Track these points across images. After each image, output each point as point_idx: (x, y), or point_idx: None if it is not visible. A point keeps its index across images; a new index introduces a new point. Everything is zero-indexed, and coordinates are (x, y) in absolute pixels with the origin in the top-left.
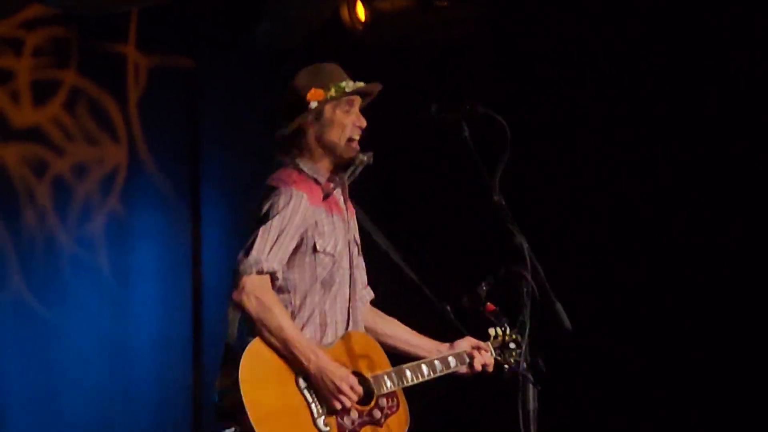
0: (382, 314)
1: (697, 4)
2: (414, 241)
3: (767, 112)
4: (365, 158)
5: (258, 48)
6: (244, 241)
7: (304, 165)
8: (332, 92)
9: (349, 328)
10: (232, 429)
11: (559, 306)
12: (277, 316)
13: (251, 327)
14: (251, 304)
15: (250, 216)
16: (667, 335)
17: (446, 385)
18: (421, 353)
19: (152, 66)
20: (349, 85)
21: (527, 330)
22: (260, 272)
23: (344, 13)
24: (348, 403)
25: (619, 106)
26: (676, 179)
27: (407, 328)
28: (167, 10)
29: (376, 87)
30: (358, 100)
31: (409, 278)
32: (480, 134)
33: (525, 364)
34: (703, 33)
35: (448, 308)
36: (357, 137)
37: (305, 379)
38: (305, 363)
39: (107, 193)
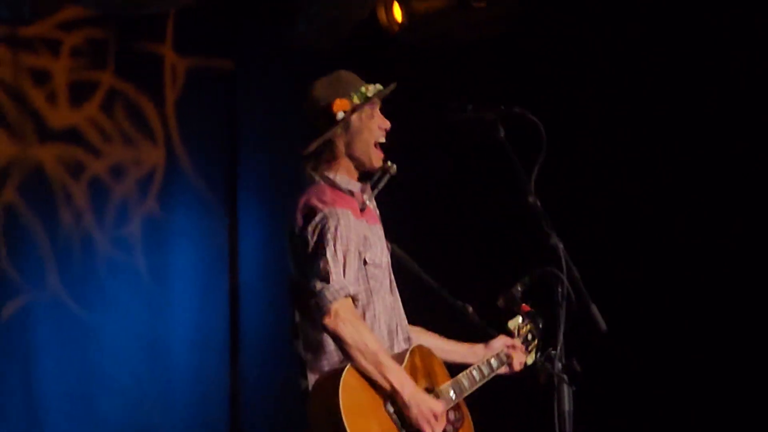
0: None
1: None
2: (449, 242)
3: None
4: (393, 168)
5: (295, 49)
6: (312, 268)
7: (335, 177)
8: (356, 100)
9: (400, 337)
10: None
11: (594, 307)
12: (372, 340)
13: (343, 352)
14: (346, 330)
15: (296, 242)
16: (702, 335)
17: (482, 388)
18: (457, 358)
19: (190, 67)
20: (369, 89)
21: (560, 325)
22: (347, 296)
23: (381, 14)
24: (437, 429)
25: (658, 104)
26: (701, 180)
27: (436, 335)
28: (204, 11)
29: (392, 87)
30: (377, 103)
31: (429, 284)
32: (515, 135)
33: (560, 365)
34: (719, 33)
35: (471, 310)
36: (383, 140)
37: (392, 404)
38: (399, 389)
39: (144, 194)
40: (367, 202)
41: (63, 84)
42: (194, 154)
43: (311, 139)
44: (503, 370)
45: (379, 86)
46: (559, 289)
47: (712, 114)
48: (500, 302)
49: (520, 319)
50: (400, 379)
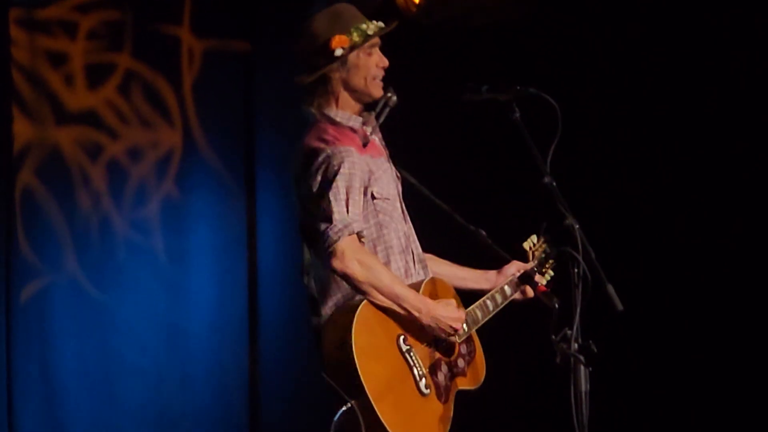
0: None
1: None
2: (463, 227)
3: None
4: (394, 97)
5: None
6: (317, 209)
7: (335, 114)
8: (355, 37)
9: (416, 266)
10: (348, 405)
11: (610, 287)
12: (384, 273)
13: (356, 290)
14: (356, 268)
15: (302, 184)
16: (719, 317)
17: (499, 367)
18: (471, 285)
19: (207, 49)
20: (370, 27)
21: (577, 305)
22: (351, 234)
23: None
24: (459, 327)
25: (678, 88)
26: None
27: (449, 263)
28: None
29: (394, 25)
30: (378, 41)
31: (442, 209)
32: (530, 116)
33: (576, 345)
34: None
35: (484, 233)
36: (381, 76)
37: (405, 340)
38: (416, 314)
39: (162, 176)
40: (371, 136)
41: (80, 66)
42: (212, 136)
43: (308, 72)
44: (518, 296)
45: (380, 23)
46: (575, 270)
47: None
48: (538, 241)
49: (534, 238)
50: (416, 305)
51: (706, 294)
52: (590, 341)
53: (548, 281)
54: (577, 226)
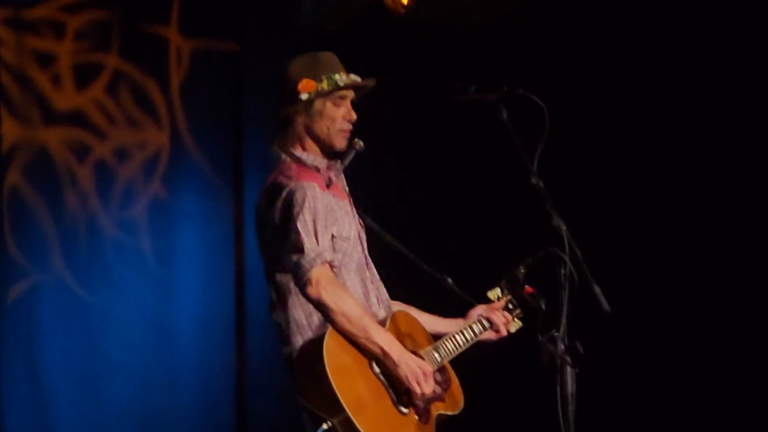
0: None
1: None
2: (451, 225)
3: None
4: (360, 144)
5: (301, 30)
6: (283, 243)
7: (300, 155)
8: (324, 85)
9: (382, 311)
10: (328, 424)
11: (597, 288)
12: (355, 304)
13: (328, 319)
14: (329, 297)
15: (266, 223)
16: (706, 318)
17: (486, 368)
18: (441, 330)
19: (195, 49)
20: (342, 78)
21: (563, 306)
22: (324, 262)
23: None
24: (428, 391)
25: (665, 88)
26: (713, 168)
27: (418, 310)
28: None
29: (370, 83)
30: (351, 94)
31: (406, 256)
32: (518, 116)
33: (563, 346)
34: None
35: (449, 279)
36: (347, 129)
37: (378, 364)
38: (387, 350)
39: (150, 176)
40: (334, 179)
41: (68, 66)
42: (199, 137)
43: (276, 112)
44: (487, 335)
45: (355, 78)
46: (562, 270)
47: (705, 89)
48: (503, 284)
49: (499, 290)
50: (386, 340)
51: (693, 295)
52: (577, 342)
53: (519, 326)
54: (564, 227)
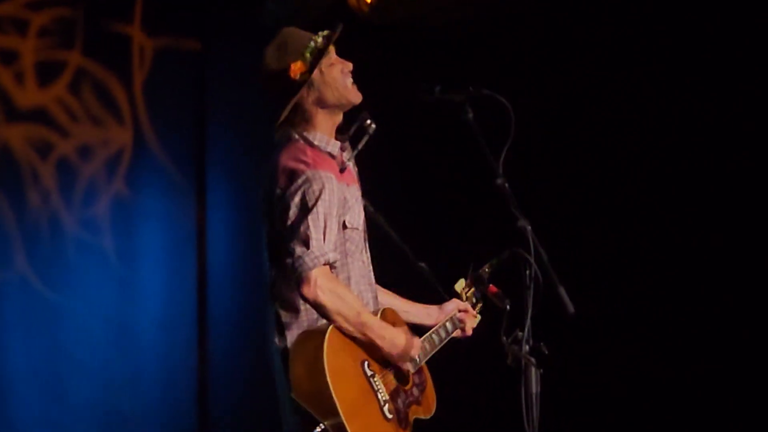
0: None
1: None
2: (416, 223)
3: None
4: (372, 124)
5: (264, 29)
6: (292, 231)
7: (313, 137)
8: (309, 57)
9: (369, 295)
10: (321, 426)
11: (562, 290)
12: (353, 302)
13: (325, 318)
14: (327, 298)
15: (277, 204)
16: (669, 318)
17: (450, 368)
18: (413, 319)
19: (158, 47)
20: (318, 41)
21: (528, 307)
22: (326, 263)
23: None
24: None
25: (626, 91)
26: (679, 165)
27: (394, 294)
28: None
29: (340, 28)
30: (332, 49)
31: (392, 240)
32: (484, 117)
33: (528, 347)
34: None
35: (428, 269)
36: (351, 80)
37: (369, 365)
38: (379, 342)
39: (112, 174)
40: (347, 162)
41: (30, 64)
42: (162, 135)
43: (279, 107)
44: (457, 333)
45: (325, 32)
46: (527, 272)
47: (670, 92)
48: (467, 283)
49: (463, 281)
50: (380, 333)
51: (657, 295)
52: (541, 343)
53: (477, 319)
54: (529, 228)
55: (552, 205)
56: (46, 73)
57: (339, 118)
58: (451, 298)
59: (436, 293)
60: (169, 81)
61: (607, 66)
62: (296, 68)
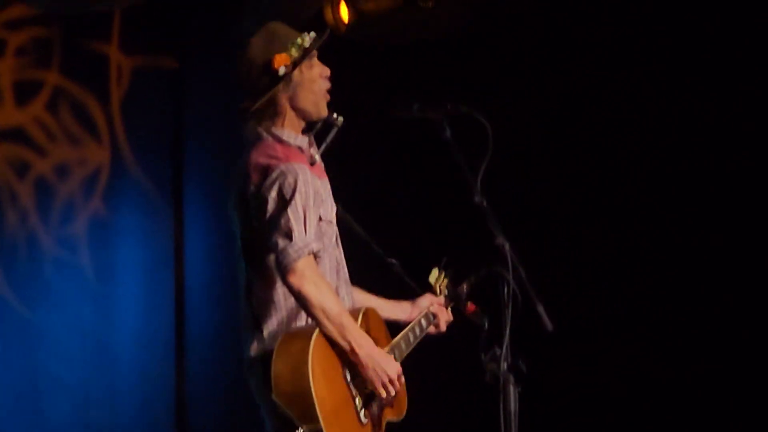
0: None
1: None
2: (394, 240)
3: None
4: (340, 118)
5: (242, 47)
6: (272, 226)
7: (282, 134)
8: (293, 53)
9: (343, 291)
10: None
11: (540, 307)
12: (335, 300)
13: (306, 311)
14: (312, 290)
15: (252, 202)
16: (669, 318)
17: (428, 386)
18: (386, 314)
19: (135, 66)
20: (305, 40)
21: (506, 324)
22: (310, 253)
23: (327, 13)
24: (392, 393)
25: (625, 91)
26: (678, 165)
27: (365, 291)
28: (150, 10)
29: (327, 34)
30: (315, 52)
31: (360, 237)
32: (463, 135)
33: (506, 365)
34: (696, 30)
35: (398, 264)
36: (327, 86)
37: (350, 370)
38: (356, 349)
39: (90, 193)
40: (316, 157)
41: (8, 83)
42: (140, 154)
43: (251, 98)
44: (431, 329)
45: (312, 34)
46: (505, 289)
47: (648, 103)
48: (440, 275)
49: (436, 271)
50: (358, 339)
51: (657, 296)
52: (520, 361)
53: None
54: (508, 246)
55: (552, 204)
56: (24, 92)
57: (303, 123)
58: (424, 293)
59: (408, 289)
60: (147, 99)
61: (604, 67)
62: (280, 60)
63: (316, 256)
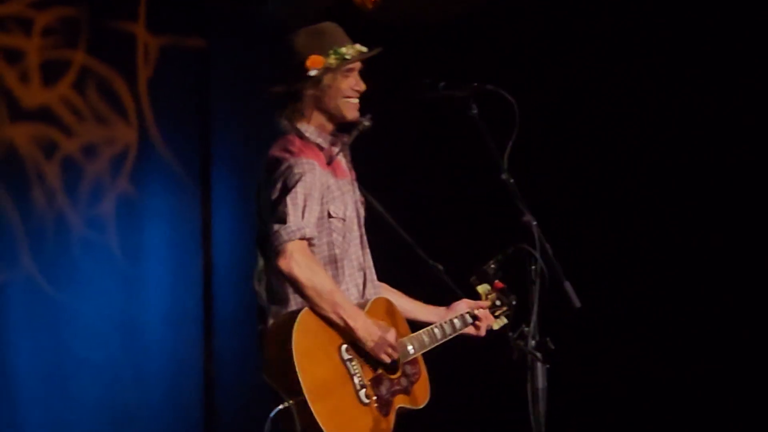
0: (378, 283)
1: None
2: (422, 220)
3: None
4: (367, 122)
5: (268, 27)
6: (272, 213)
7: (306, 130)
8: (331, 59)
9: (367, 290)
10: (286, 404)
11: (568, 285)
12: (327, 279)
13: (298, 293)
14: (301, 270)
15: (262, 193)
16: (669, 318)
17: (455, 364)
18: (419, 316)
19: (162, 45)
20: (349, 51)
21: (534, 302)
22: (302, 238)
23: None
24: (395, 356)
25: (628, 86)
26: (679, 162)
27: (401, 294)
28: None
29: (376, 52)
30: (358, 64)
31: (404, 240)
32: (489, 112)
33: (534, 342)
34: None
35: (441, 268)
36: (354, 100)
37: (347, 350)
38: (352, 324)
39: (117, 173)
40: (338, 157)
41: (35, 63)
42: (167, 133)
43: (278, 84)
44: (469, 330)
45: (360, 48)
46: (533, 267)
47: (670, 89)
48: (473, 280)
49: (488, 286)
50: (353, 315)
51: (663, 291)
52: (547, 338)
53: (504, 323)
54: (535, 223)
55: (551, 202)
56: (51, 72)
57: (331, 126)
58: (463, 298)
59: (450, 294)
60: (174, 79)
61: (609, 60)
62: (313, 61)
63: (311, 242)
